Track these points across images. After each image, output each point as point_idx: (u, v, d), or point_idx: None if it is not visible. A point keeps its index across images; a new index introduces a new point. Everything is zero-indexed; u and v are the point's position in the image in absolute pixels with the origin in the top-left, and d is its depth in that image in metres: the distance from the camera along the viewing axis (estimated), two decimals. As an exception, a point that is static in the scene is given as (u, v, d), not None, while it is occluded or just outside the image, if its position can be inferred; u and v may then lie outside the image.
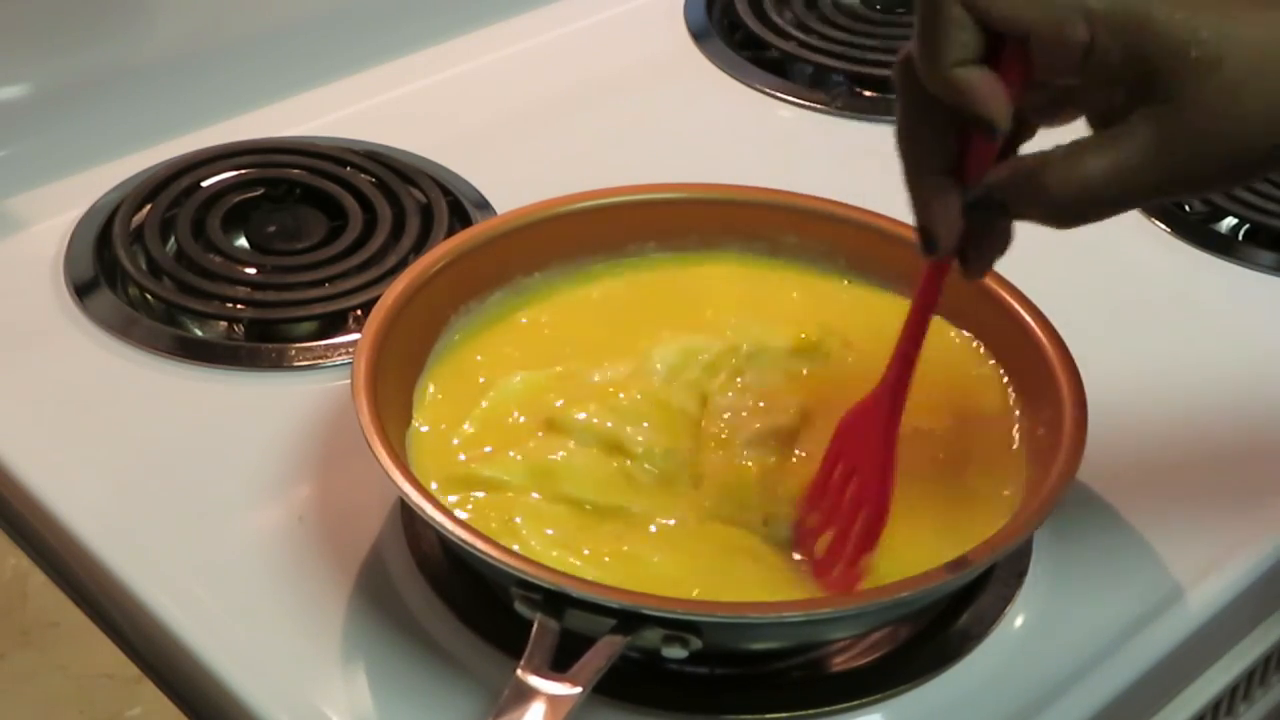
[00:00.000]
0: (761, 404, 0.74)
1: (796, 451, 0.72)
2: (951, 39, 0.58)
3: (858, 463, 0.68)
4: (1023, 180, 0.60)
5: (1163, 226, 0.93)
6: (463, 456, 0.70)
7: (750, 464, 0.71)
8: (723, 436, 0.72)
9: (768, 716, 0.66)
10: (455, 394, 0.74)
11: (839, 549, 0.67)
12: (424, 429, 0.72)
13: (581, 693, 0.60)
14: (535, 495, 0.69)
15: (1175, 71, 0.57)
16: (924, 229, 0.62)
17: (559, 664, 0.61)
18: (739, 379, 0.75)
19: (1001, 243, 0.64)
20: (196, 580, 0.70)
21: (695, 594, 0.65)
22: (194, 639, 0.68)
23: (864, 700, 0.67)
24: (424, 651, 0.67)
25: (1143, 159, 0.58)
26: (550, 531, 0.67)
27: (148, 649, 0.69)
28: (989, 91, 0.59)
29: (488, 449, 0.71)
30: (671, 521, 0.69)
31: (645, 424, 0.72)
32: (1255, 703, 0.80)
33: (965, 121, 0.60)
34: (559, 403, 0.73)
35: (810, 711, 0.66)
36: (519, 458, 0.70)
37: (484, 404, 0.73)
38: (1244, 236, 0.94)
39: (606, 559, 0.66)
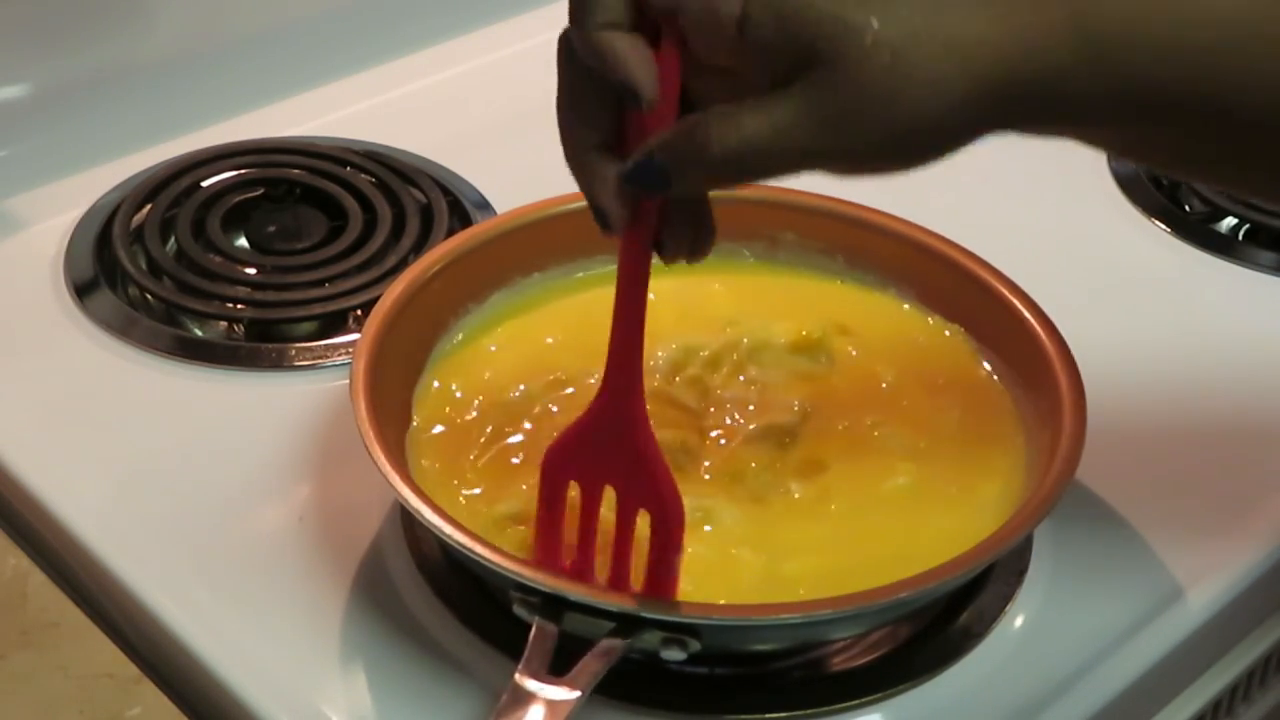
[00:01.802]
0: (763, 400, 0.74)
1: (798, 447, 0.72)
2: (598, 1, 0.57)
3: (617, 478, 0.64)
4: (680, 139, 0.57)
5: (1163, 226, 0.93)
6: (477, 490, 0.70)
7: (753, 461, 0.71)
8: (724, 432, 0.72)
9: (768, 716, 0.66)
10: (456, 395, 0.74)
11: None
12: (426, 431, 0.72)
13: (580, 696, 0.60)
14: None
15: (831, 38, 0.55)
16: (594, 207, 0.60)
17: (558, 667, 0.61)
18: (740, 375, 0.75)
19: (695, 223, 0.62)
20: (196, 580, 0.70)
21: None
22: (194, 639, 0.68)
23: (864, 700, 0.67)
24: (423, 652, 0.67)
25: (798, 118, 0.55)
26: None
27: (148, 649, 0.69)
28: (636, 58, 0.57)
29: (508, 457, 0.71)
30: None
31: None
32: (1255, 703, 0.80)
33: (615, 91, 0.58)
34: (561, 408, 0.73)
35: (810, 711, 0.66)
36: (526, 487, 0.69)
37: (489, 428, 0.72)
38: (1244, 236, 0.94)
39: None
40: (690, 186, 0.60)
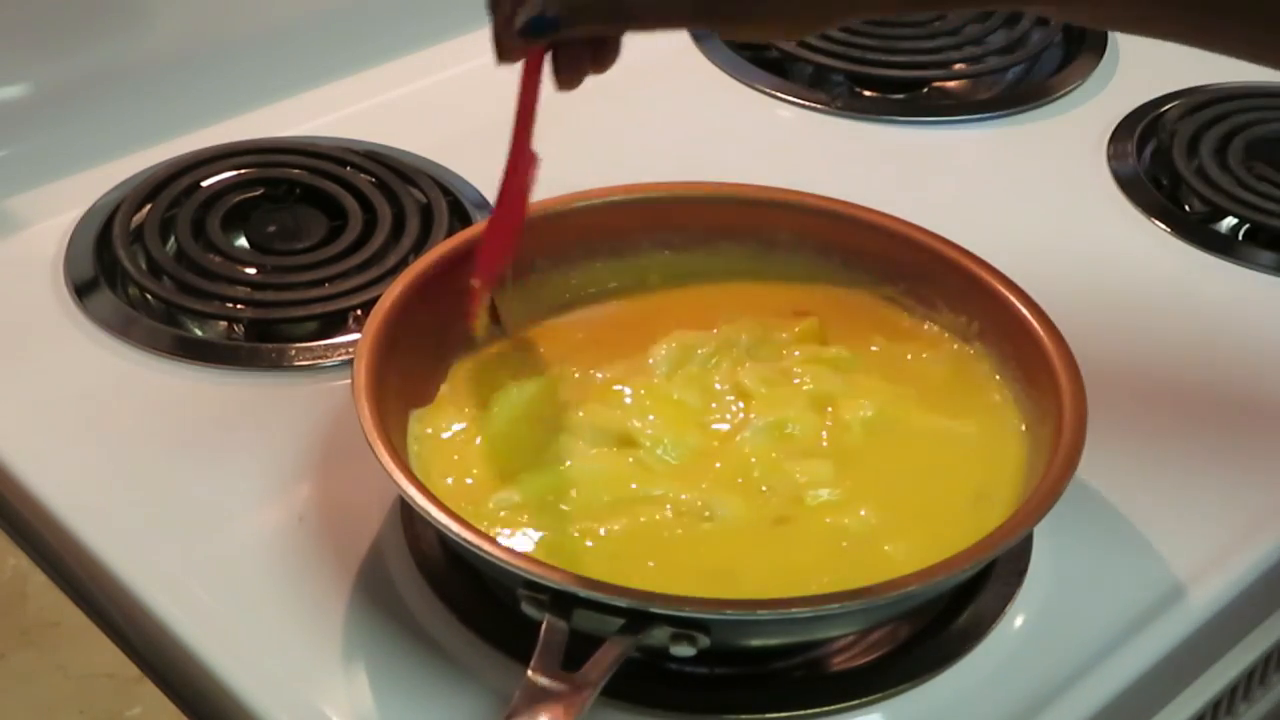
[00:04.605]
0: (762, 396, 0.74)
1: (799, 442, 0.72)
2: None
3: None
4: None
5: (1163, 226, 0.93)
6: (477, 486, 0.70)
7: (754, 456, 0.71)
8: (726, 428, 0.73)
9: (768, 716, 0.66)
10: (458, 393, 0.74)
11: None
12: (427, 430, 0.72)
13: (592, 692, 0.60)
14: (564, 508, 0.69)
15: None
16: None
17: (565, 664, 0.61)
18: (739, 371, 0.75)
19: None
20: (196, 580, 0.70)
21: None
22: (194, 639, 0.68)
23: (864, 700, 0.67)
24: (423, 651, 0.67)
25: None
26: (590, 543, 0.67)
27: (148, 649, 0.69)
28: None
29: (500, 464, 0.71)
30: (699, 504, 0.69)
31: (651, 417, 0.72)
32: (1255, 703, 0.80)
33: None
34: (563, 404, 0.73)
35: (810, 711, 0.66)
36: (530, 476, 0.69)
37: (488, 424, 0.72)
38: (1244, 236, 0.94)
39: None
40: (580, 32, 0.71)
